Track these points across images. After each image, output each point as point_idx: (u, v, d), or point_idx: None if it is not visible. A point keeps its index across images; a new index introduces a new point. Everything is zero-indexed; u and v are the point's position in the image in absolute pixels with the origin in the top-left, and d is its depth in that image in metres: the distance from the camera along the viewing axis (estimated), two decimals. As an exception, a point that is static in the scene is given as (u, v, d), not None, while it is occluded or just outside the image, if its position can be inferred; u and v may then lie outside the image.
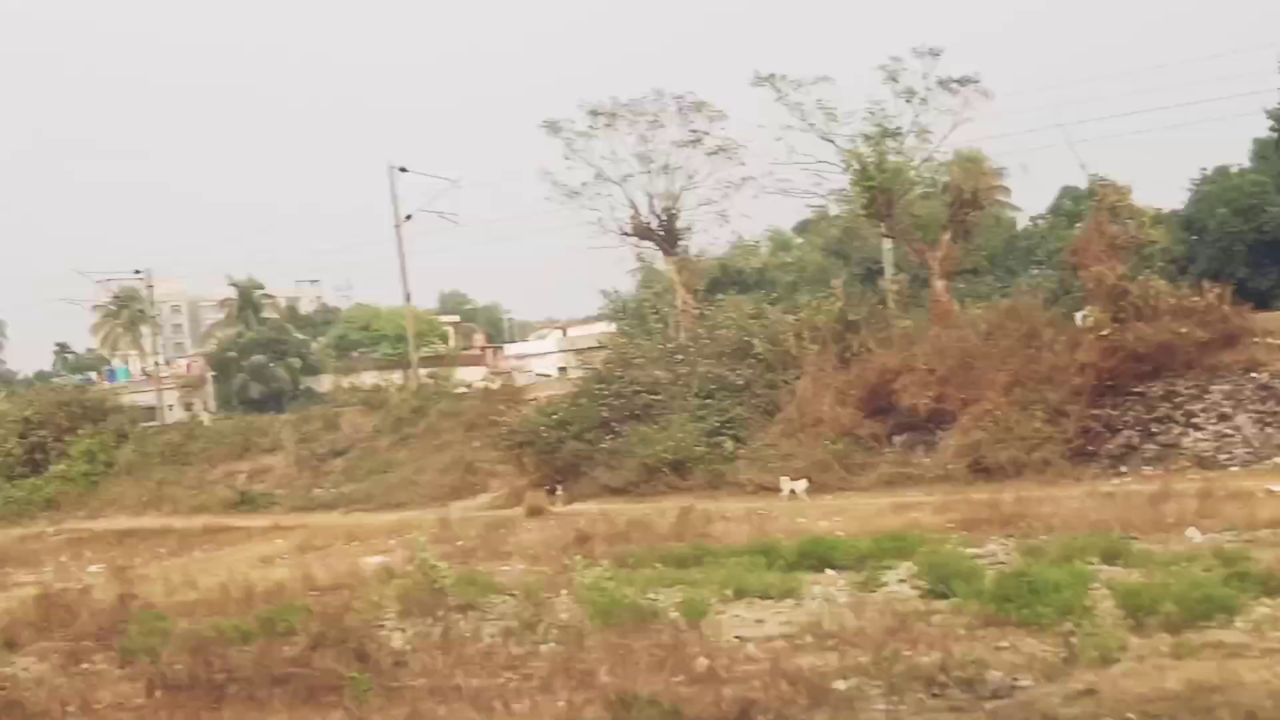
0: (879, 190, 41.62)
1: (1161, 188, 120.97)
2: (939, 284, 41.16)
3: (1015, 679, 12.71)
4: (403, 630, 18.31)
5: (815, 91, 42.10)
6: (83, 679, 16.84)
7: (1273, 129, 54.95)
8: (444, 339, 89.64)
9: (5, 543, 45.91)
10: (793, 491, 32.85)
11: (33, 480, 58.18)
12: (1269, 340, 33.50)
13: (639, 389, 41.00)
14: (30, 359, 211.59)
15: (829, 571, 20.90)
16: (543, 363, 78.31)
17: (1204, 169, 57.65)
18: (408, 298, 63.32)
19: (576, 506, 36.33)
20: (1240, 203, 53.00)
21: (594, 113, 47.20)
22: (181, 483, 53.67)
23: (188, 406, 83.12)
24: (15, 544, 45.40)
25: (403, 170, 61.87)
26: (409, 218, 61.97)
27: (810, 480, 33.40)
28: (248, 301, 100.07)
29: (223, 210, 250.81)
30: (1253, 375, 32.63)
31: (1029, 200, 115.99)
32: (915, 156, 42.44)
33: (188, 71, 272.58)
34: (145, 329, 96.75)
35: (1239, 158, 57.45)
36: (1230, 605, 14.91)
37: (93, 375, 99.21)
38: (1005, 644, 14.41)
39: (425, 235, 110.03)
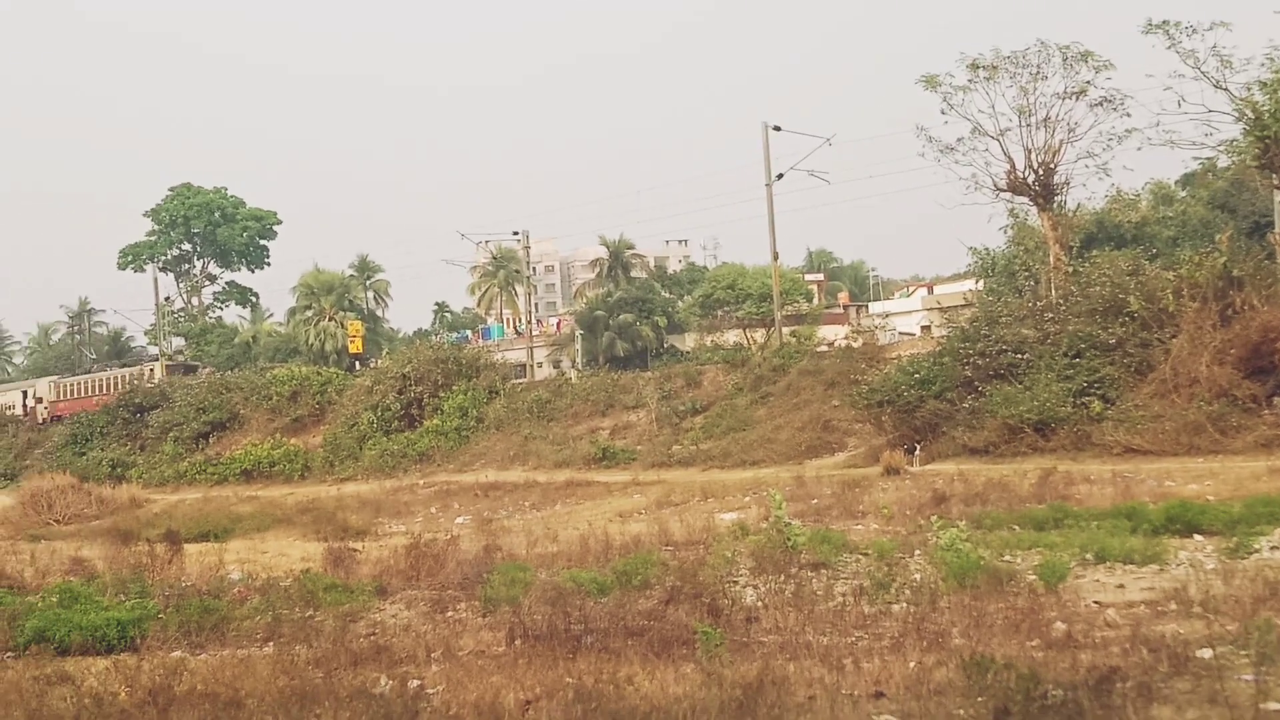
0: (1274, 139, 39.35)
1: None
2: (1333, 236, 38.82)
3: (1393, 651, 11.85)
4: (755, 587, 18.33)
5: (1210, 38, 40.14)
6: (447, 626, 17.35)
7: None
8: (808, 297, 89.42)
9: (379, 494, 48.24)
10: None
11: (407, 434, 60.93)
12: None
13: (1004, 348, 40.04)
14: (411, 317, 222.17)
15: (1196, 537, 20.07)
16: (906, 321, 77.47)
17: None
18: (775, 256, 63.45)
19: (934, 466, 35.84)
20: None
21: (974, 66, 46.11)
22: (547, 438, 55.15)
23: (556, 364, 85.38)
24: (388, 495, 47.65)
25: (777, 129, 61.83)
26: (780, 176, 62.07)
27: None
28: (617, 261, 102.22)
29: (600, 171, 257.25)
30: None
31: None
32: (1317, 103, 39.93)
33: (559, 43, 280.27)
34: (519, 288, 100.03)
35: None
36: None
37: (468, 333, 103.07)
38: (1386, 614, 13.49)
39: (796, 193, 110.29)
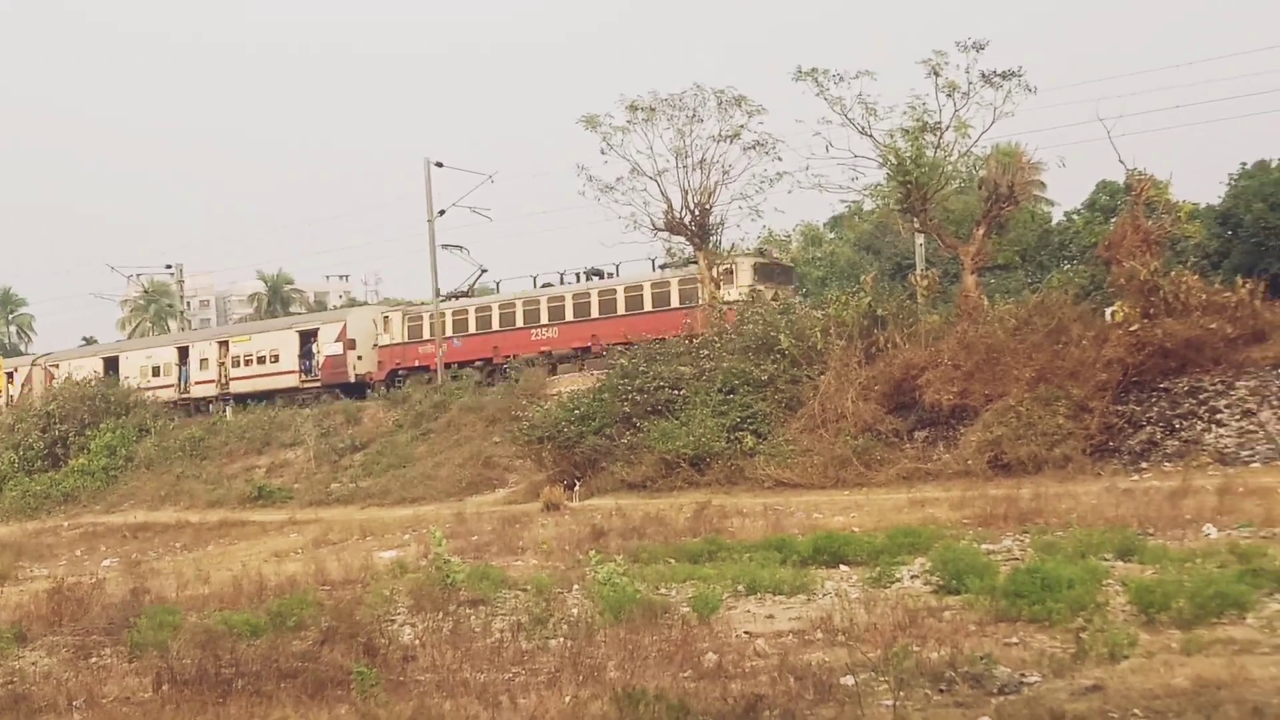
0: (914, 185, 41.21)
1: (1200, 182, 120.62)
2: (969, 279, 40.74)
3: (1023, 675, 12.62)
4: (413, 625, 18.35)
5: (856, 86, 41.73)
6: (91, 673, 16.91)
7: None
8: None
9: (21, 537, 46.16)
10: None
11: (51, 474, 58.24)
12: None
13: (662, 384, 40.66)
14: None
15: (842, 567, 20.87)
16: (568, 357, 78.11)
17: (1243, 163, 56.87)
18: (436, 292, 63.31)
19: (593, 501, 36.23)
20: (1277, 198, 52.12)
21: (633, 107, 47.13)
22: (200, 477, 53.64)
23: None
24: (31, 538, 45.68)
25: (438, 165, 61.93)
26: (443, 213, 62.08)
27: None
28: (276, 296, 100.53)
29: (256, 205, 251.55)
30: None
31: (1065, 194, 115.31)
32: (953, 151, 42.02)
33: (221, 69, 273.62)
34: (173, 323, 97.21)
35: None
36: (1243, 601, 14.86)
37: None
38: (1015, 640, 14.35)
39: (460, 229, 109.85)
